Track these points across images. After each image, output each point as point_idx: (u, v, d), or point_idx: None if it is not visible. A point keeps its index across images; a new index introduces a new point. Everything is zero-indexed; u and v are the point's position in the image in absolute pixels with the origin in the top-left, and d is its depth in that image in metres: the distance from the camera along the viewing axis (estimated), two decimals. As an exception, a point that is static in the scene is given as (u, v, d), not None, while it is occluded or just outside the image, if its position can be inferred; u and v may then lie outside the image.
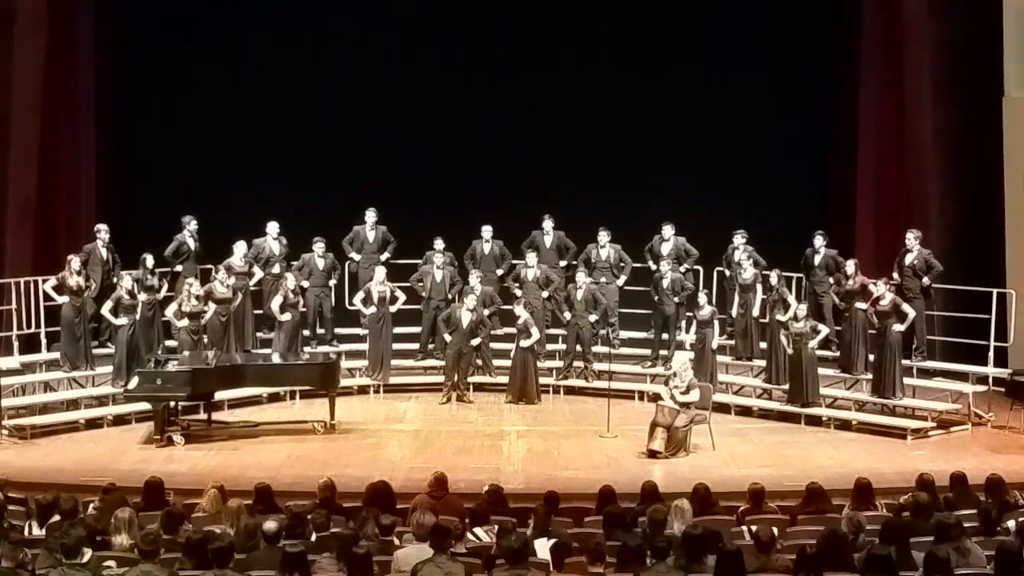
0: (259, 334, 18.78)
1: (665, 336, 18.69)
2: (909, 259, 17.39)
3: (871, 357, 17.25)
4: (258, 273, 18.64)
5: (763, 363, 17.99)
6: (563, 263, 19.23)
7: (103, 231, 18.07)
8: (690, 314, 18.49)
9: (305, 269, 18.74)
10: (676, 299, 18.45)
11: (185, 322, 17.40)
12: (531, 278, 18.82)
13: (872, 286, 17.08)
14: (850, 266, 17.35)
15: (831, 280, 17.85)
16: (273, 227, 18.78)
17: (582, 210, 19.46)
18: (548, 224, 19.24)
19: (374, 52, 21.02)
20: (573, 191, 20.08)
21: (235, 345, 17.98)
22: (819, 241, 18.06)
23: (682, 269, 18.65)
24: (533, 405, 18.10)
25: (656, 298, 18.59)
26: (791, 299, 17.43)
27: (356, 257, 19.22)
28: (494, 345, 18.88)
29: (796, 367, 17.02)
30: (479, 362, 18.78)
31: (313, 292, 18.69)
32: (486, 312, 18.52)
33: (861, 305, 17.13)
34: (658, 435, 15.40)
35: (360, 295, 18.69)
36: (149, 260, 17.78)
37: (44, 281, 17.58)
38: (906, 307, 16.74)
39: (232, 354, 17.56)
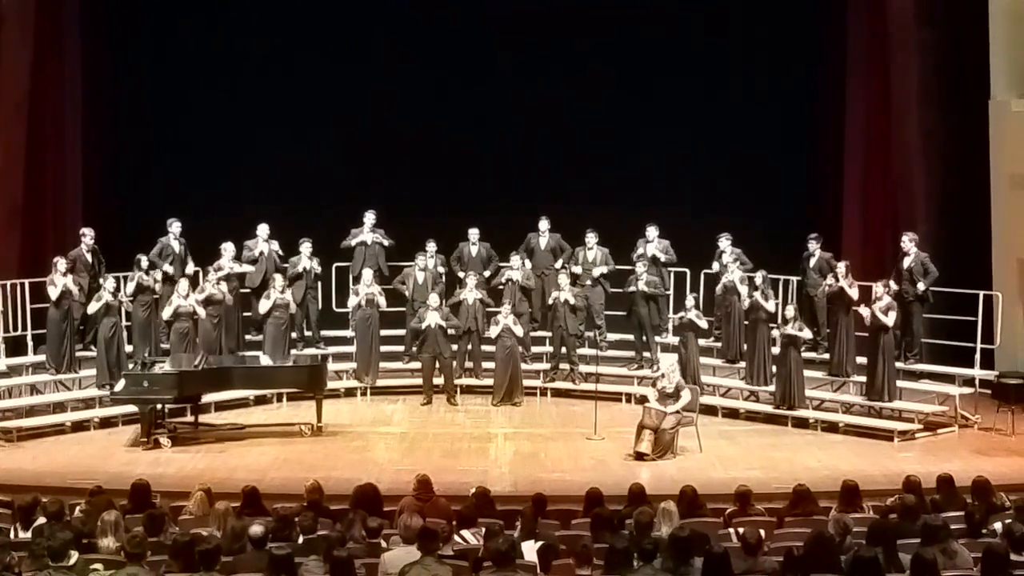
0: (247, 336, 18.78)
1: (644, 338, 18.73)
2: (907, 263, 17.37)
3: (859, 360, 17.28)
4: (247, 267, 18.57)
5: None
6: (558, 265, 19.20)
7: (88, 236, 18.02)
8: (672, 316, 18.53)
9: (292, 271, 18.72)
10: (649, 301, 18.44)
11: (177, 323, 17.41)
12: (518, 280, 18.82)
13: (851, 288, 17.08)
14: (841, 268, 17.37)
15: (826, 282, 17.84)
16: (263, 229, 18.75)
17: (573, 212, 19.41)
18: (544, 225, 19.23)
19: (365, 55, 20.98)
20: (564, 193, 20.07)
21: (224, 347, 17.95)
22: (813, 244, 18.07)
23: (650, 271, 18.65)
24: (517, 407, 18.12)
25: (632, 300, 18.59)
26: (768, 304, 17.41)
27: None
28: (484, 348, 18.86)
29: (783, 369, 17.05)
30: (469, 364, 18.79)
31: (299, 294, 18.69)
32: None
33: (864, 311, 17.04)
34: (645, 437, 15.41)
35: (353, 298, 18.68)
36: (144, 261, 17.76)
37: (31, 284, 17.59)
38: (887, 319, 16.66)
39: (221, 356, 17.53)
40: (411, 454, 15.74)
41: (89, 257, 17.94)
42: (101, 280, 17.53)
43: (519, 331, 18.25)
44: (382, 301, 18.65)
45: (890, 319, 16.66)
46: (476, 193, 20.16)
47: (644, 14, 20.62)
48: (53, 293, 17.15)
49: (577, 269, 18.97)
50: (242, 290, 18.59)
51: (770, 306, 17.43)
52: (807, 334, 17.09)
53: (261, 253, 18.65)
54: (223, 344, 17.92)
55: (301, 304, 18.66)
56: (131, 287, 17.48)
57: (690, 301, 17.94)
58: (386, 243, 19.20)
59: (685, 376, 17.01)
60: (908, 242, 17.47)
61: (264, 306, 18.08)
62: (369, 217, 19.19)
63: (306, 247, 18.75)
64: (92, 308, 17.26)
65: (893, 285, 16.99)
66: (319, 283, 19.04)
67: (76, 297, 17.36)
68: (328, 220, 19.50)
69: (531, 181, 20.45)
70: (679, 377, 15.93)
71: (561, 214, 19.35)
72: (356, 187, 20.18)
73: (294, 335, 18.60)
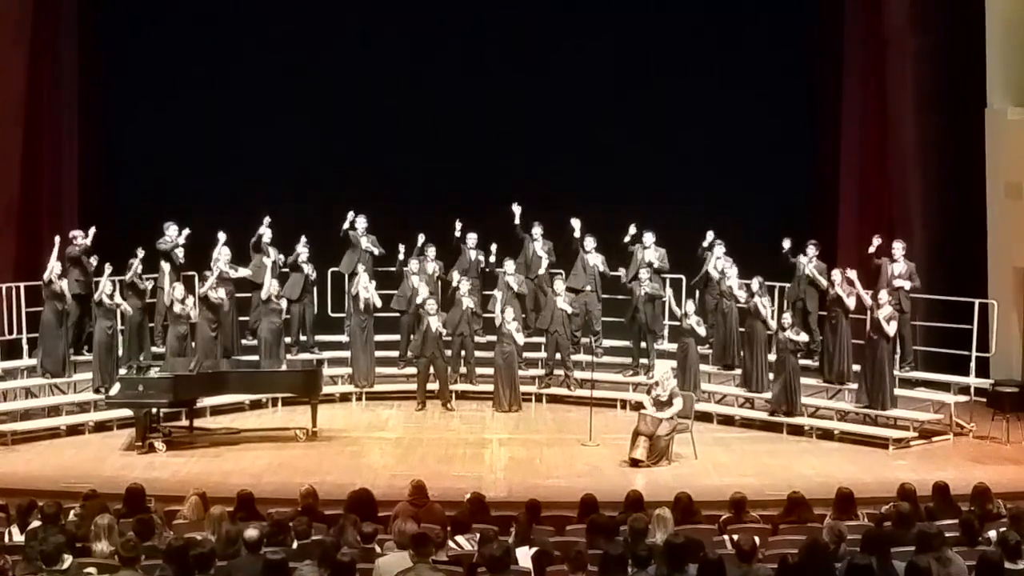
0: (243, 340, 18.76)
1: (643, 345, 18.73)
2: (897, 270, 17.38)
3: (856, 368, 17.28)
4: (244, 271, 18.51)
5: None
6: (541, 271, 19.19)
7: (79, 237, 17.93)
8: (672, 323, 18.51)
9: (290, 260, 18.68)
10: (649, 308, 18.45)
11: (173, 327, 17.38)
12: (513, 286, 18.81)
13: (848, 297, 17.06)
14: (836, 276, 17.37)
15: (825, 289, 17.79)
16: (266, 232, 18.67)
17: (565, 215, 19.37)
18: (537, 231, 19.22)
19: (360, 50, 21.03)
20: (560, 197, 19.99)
21: (220, 351, 17.92)
22: (811, 251, 18.03)
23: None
24: (515, 413, 18.11)
25: (634, 306, 18.58)
26: (763, 309, 17.41)
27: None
28: (478, 353, 18.86)
29: (780, 375, 17.05)
30: (463, 370, 18.78)
31: (295, 291, 18.65)
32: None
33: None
34: (640, 444, 15.42)
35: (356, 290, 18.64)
36: (138, 264, 17.71)
37: (27, 287, 17.60)
38: (889, 328, 16.62)
39: (217, 360, 17.51)
40: (406, 459, 15.73)
41: (83, 259, 17.83)
42: (94, 283, 17.52)
43: (520, 339, 18.23)
44: (378, 302, 18.59)
45: (891, 328, 16.65)
46: (469, 194, 20.05)
47: (640, 18, 20.65)
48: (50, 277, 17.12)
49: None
50: (238, 295, 18.56)
51: (766, 312, 17.43)
52: (804, 337, 17.08)
53: (275, 262, 18.60)
54: (219, 348, 17.88)
55: (298, 301, 18.61)
56: (107, 287, 17.30)
57: (690, 307, 17.92)
58: (376, 252, 19.14)
59: (685, 383, 17.02)
60: (899, 250, 17.48)
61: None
62: (360, 222, 19.15)
63: (303, 249, 18.71)
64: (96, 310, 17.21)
65: (882, 296, 16.92)
66: (315, 288, 19.02)
67: (70, 302, 17.34)
68: (321, 220, 19.42)
69: (523, 183, 20.31)
70: (674, 384, 15.92)
71: (551, 218, 19.30)
72: (351, 187, 20.04)
73: (288, 340, 18.58)
